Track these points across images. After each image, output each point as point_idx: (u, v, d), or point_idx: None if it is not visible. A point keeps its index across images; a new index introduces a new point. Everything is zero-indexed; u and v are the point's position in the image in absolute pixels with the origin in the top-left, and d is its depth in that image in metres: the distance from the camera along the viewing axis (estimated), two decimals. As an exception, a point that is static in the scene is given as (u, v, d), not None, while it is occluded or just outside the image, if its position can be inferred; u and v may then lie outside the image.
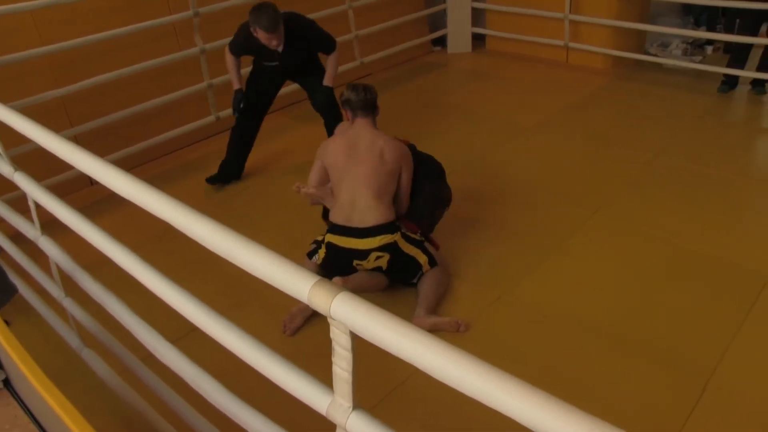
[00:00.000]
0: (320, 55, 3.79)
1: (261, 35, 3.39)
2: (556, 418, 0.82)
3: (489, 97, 5.19)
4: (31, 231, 2.31)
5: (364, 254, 2.74)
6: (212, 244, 1.28)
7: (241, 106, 3.72)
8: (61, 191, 3.12)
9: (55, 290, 2.40)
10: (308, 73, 3.78)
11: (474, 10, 6.07)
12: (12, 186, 2.29)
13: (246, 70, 3.84)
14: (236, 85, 3.73)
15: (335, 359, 1.09)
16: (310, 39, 3.65)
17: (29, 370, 1.34)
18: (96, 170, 1.63)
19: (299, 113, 4.93)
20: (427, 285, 2.77)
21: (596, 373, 2.42)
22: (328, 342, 1.08)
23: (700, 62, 5.55)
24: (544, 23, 5.68)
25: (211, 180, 3.93)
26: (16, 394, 1.62)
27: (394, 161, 2.81)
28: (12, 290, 1.96)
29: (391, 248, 2.74)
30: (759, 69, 4.75)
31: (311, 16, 4.38)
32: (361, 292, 2.74)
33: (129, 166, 3.96)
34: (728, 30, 5.16)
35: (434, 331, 2.58)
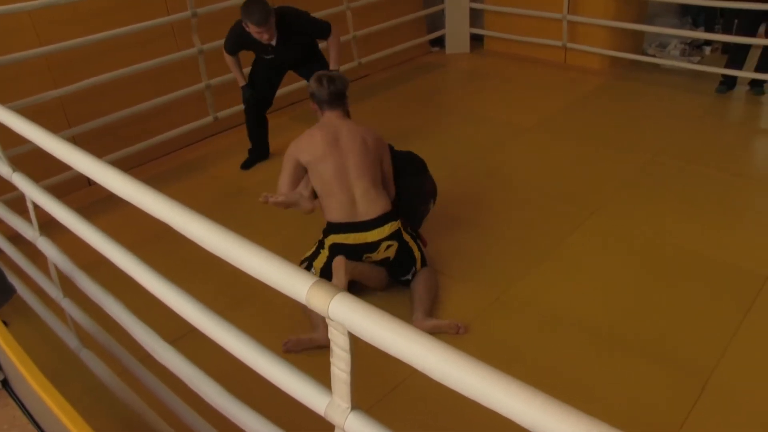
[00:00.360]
0: (321, 46, 3.88)
1: (252, 29, 3.48)
2: (555, 418, 0.82)
3: (487, 98, 5.19)
4: (29, 231, 2.31)
5: (374, 246, 2.67)
6: (210, 245, 1.28)
7: (250, 98, 3.94)
8: (59, 192, 3.12)
9: (54, 291, 2.40)
10: (309, 63, 3.85)
11: (472, 10, 6.07)
12: (10, 186, 2.28)
13: (248, 70, 3.94)
14: (241, 82, 3.92)
15: (333, 360, 1.09)
16: (303, 29, 3.72)
17: (28, 371, 1.33)
18: (94, 171, 1.63)
19: (298, 113, 4.93)
20: (421, 287, 2.75)
21: (595, 373, 2.42)
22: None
23: (698, 63, 5.55)
24: (542, 24, 5.69)
25: (245, 166, 4.17)
26: (15, 394, 1.62)
27: (376, 148, 2.74)
28: (10, 291, 1.96)
29: (397, 235, 2.71)
30: (757, 69, 4.76)
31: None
32: (364, 280, 2.75)
33: (127, 166, 3.96)
34: (726, 30, 5.16)
35: (434, 333, 2.58)
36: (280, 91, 4.17)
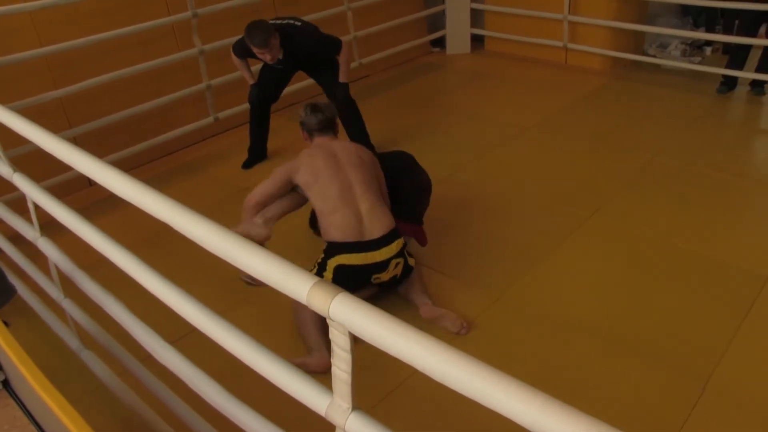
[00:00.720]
0: None
1: (254, 50, 3.55)
2: (555, 418, 0.82)
3: (488, 98, 5.19)
4: (30, 232, 2.31)
5: (384, 266, 2.58)
6: (211, 245, 1.28)
7: (255, 98, 3.97)
8: (60, 192, 3.13)
9: (54, 291, 2.40)
10: (320, 69, 3.91)
11: (473, 11, 6.07)
12: (11, 187, 2.29)
13: (256, 69, 3.99)
14: (250, 81, 3.97)
15: (334, 360, 1.09)
16: (311, 49, 3.76)
17: (28, 371, 1.33)
18: (95, 171, 1.63)
19: (297, 114, 4.93)
20: (415, 281, 2.76)
21: (595, 373, 2.42)
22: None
23: (699, 63, 5.55)
24: (542, 24, 5.69)
25: (245, 165, 4.20)
26: (16, 395, 1.62)
27: (372, 162, 2.74)
28: (11, 291, 1.96)
29: (403, 251, 2.67)
30: (758, 70, 4.76)
31: (310, 17, 4.42)
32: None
33: (128, 167, 3.96)
34: (727, 31, 5.16)
35: (439, 322, 2.62)
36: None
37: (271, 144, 4.26)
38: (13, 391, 1.63)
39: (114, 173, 1.56)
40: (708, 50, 5.93)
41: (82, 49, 3.77)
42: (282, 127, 4.55)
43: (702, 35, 5.63)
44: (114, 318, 1.94)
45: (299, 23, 3.69)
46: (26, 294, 2.66)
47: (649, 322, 2.65)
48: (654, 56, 5.73)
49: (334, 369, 1.10)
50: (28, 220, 2.30)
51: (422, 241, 2.96)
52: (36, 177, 2.25)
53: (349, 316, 1.01)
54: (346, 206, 2.56)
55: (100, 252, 1.82)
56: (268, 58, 3.56)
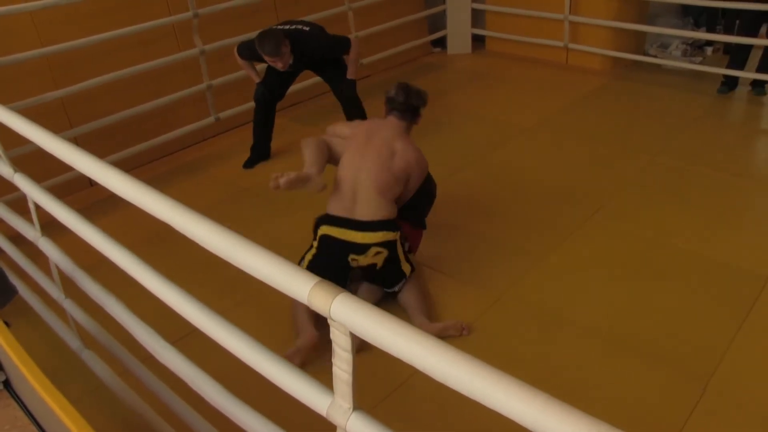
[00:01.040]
0: None
1: (266, 58, 3.57)
2: (555, 418, 0.82)
3: (488, 98, 5.19)
4: (30, 232, 2.31)
5: (362, 248, 2.63)
6: (212, 245, 1.28)
7: (261, 97, 4.00)
8: (60, 192, 3.12)
9: (55, 291, 2.40)
10: (327, 67, 3.95)
11: (474, 11, 6.07)
12: (12, 187, 2.29)
13: (261, 67, 4.00)
14: (255, 79, 4.00)
15: (335, 360, 1.09)
16: (321, 54, 3.80)
17: (29, 372, 1.34)
18: (96, 171, 1.63)
19: (298, 114, 4.93)
20: (414, 297, 2.73)
21: (596, 373, 2.42)
22: (328, 343, 1.08)
23: (700, 63, 5.55)
24: (543, 24, 5.69)
25: (247, 165, 4.18)
26: (16, 395, 1.62)
27: (402, 169, 2.70)
28: (12, 292, 1.96)
29: (390, 245, 2.69)
30: (759, 70, 4.75)
31: (310, 17, 4.42)
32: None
33: (129, 167, 3.96)
34: (728, 31, 5.16)
35: (441, 336, 2.58)
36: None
37: (274, 144, 4.26)
38: (14, 392, 1.63)
39: (115, 173, 1.56)
40: (709, 50, 5.93)
41: (83, 49, 3.77)
42: (283, 127, 4.55)
43: (703, 35, 5.63)
44: (115, 318, 1.94)
45: (307, 28, 3.71)
46: (27, 294, 2.66)
47: (649, 322, 2.65)
48: (655, 56, 5.73)
49: (335, 369, 1.10)
50: (29, 220, 2.31)
51: (414, 246, 2.96)
52: (37, 177, 2.25)
53: (350, 316, 1.01)
54: (348, 185, 2.66)
55: (100, 252, 1.82)
56: (280, 66, 3.58)
